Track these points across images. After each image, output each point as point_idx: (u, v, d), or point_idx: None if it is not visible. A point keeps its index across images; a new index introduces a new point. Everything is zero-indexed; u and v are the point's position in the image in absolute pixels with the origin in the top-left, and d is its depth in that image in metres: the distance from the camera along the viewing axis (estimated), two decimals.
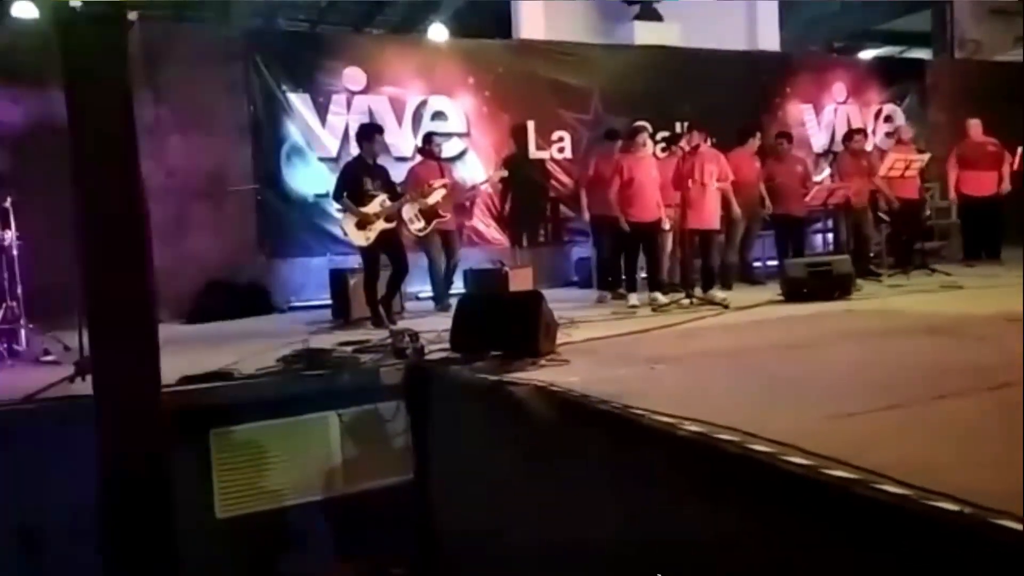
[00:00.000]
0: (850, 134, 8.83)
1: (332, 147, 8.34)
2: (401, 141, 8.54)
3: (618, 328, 5.41)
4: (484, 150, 9.07)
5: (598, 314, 6.31)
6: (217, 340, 5.83)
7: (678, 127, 9.06)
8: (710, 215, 6.96)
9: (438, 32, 9.92)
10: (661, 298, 6.63)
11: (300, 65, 8.32)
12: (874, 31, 15.14)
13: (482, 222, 9.07)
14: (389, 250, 6.41)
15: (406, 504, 4.45)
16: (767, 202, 8.16)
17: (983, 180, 8.86)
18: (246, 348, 5.11)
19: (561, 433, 3.32)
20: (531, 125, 9.24)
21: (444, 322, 4.84)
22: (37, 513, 3.66)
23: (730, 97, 9.64)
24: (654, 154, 7.94)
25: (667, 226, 7.21)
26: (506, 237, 9.18)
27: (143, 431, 3.21)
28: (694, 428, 2.59)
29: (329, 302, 7.17)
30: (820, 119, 10.83)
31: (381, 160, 6.77)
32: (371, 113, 8.41)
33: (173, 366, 3.98)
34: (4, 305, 5.41)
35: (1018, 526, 1.65)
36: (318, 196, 8.08)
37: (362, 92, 8.52)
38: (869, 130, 10.14)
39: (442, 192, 7.05)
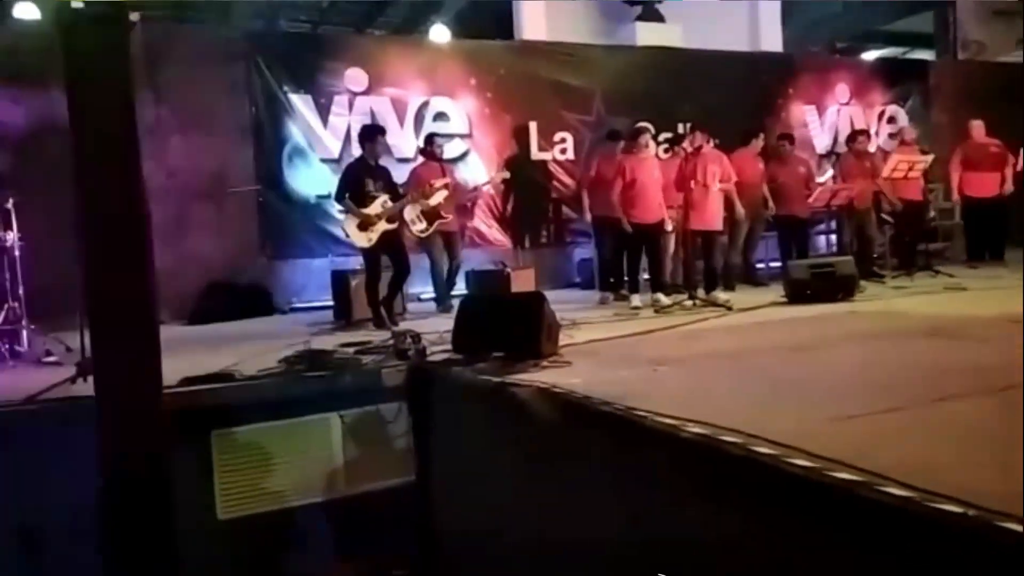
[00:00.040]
0: (853, 135, 8.81)
1: (334, 148, 8.35)
2: (403, 142, 8.55)
3: (620, 330, 5.40)
4: (486, 151, 9.07)
5: (600, 315, 6.30)
6: (218, 341, 5.82)
7: (680, 128, 9.05)
8: (712, 216, 6.95)
9: (440, 33, 9.90)
10: (663, 299, 6.62)
11: (302, 66, 8.32)
12: (877, 32, 15.12)
13: (484, 223, 9.07)
14: (390, 251, 6.41)
15: (407, 505, 4.44)
16: (770, 203, 8.15)
17: (986, 181, 8.84)
18: (247, 349, 5.10)
19: (563, 435, 3.31)
20: (533, 126, 9.24)
21: (446, 323, 4.84)
22: (38, 514, 3.65)
23: (732, 98, 9.64)
24: (656, 155, 7.93)
25: (670, 227, 7.20)
26: (508, 238, 9.18)
27: (144, 432, 3.21)
28: (697, 430, 2.58)
29: (331, 303, 7.16)
30: (823, 120, 10.82)
31: (383, 161, 6.77)
32: (373, 114, 8.41)
33: (174, 367, 3.97)
34: (6, 306, 5.40)
35: (1019, 527, 1.65)
36: (320, 197, 8.08)
37: (364, 93, 8.52)
38: (872, 131, 10.14)
39: (444, 193, 7.05)
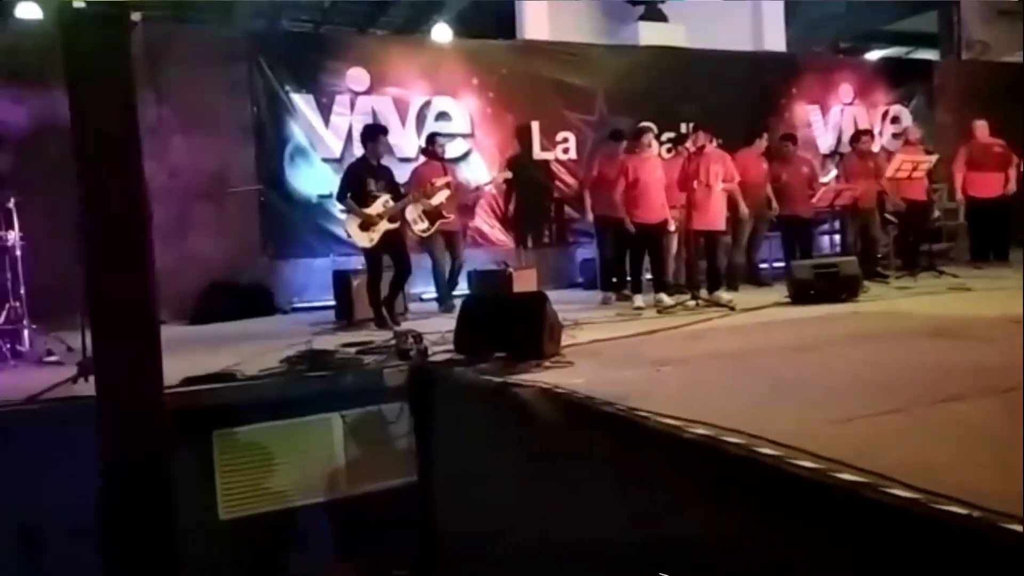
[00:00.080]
0: (857, 135, 8.81)
1: (335, 148, 8.35)
2: (405, 142, 8.54)
3: (623, 330, 5.39)
4: (488, 151, 9.06)
5: (603, 316, 6.29)
6: (220, 341, 5.82)
7: (683, 128, 9.03)
8: (715, 216, 6.94)
9: (442, 32, 9.89)
10: (666, 300, 6.61)
11: (303, 66, 8.32)
12: (880, 32, 15.10)
13: (486, 223, 9.05)
14: (392, 251, 6.40)
15: (409, 506, 4.44)
16: (774, 203, 8.14)
17: (990, 181, 8.82)
18: (249, 349, 5.10)
19: (565, 435, 3.30)
20: (535, 126, 9.23)
21: (448, 323, 4.83)
22: (39, 513, 3.65)
23: (736, 98, 9.62)
24: (659, 155, 7.92)
25: (672, 227, 7.19)
26: (510, 238, 9.17)
27: (145, 432, 3.21)
28: (700, 430, 2.57)
29: (332, 303, 7.15)
30: (827, 120, 10.80)
31: (385, 161, 6.76)
32: (375, 114, 8.41)
33: (176, 367, 3.97)
34: (7, 305, 5.40)
35: (1020, 528, 1.64)
36: (321, 197, 8.08)
37: (366, 93, 8.52)
38: (876, 131, 10.11)
39: (446, 193, 7.05)
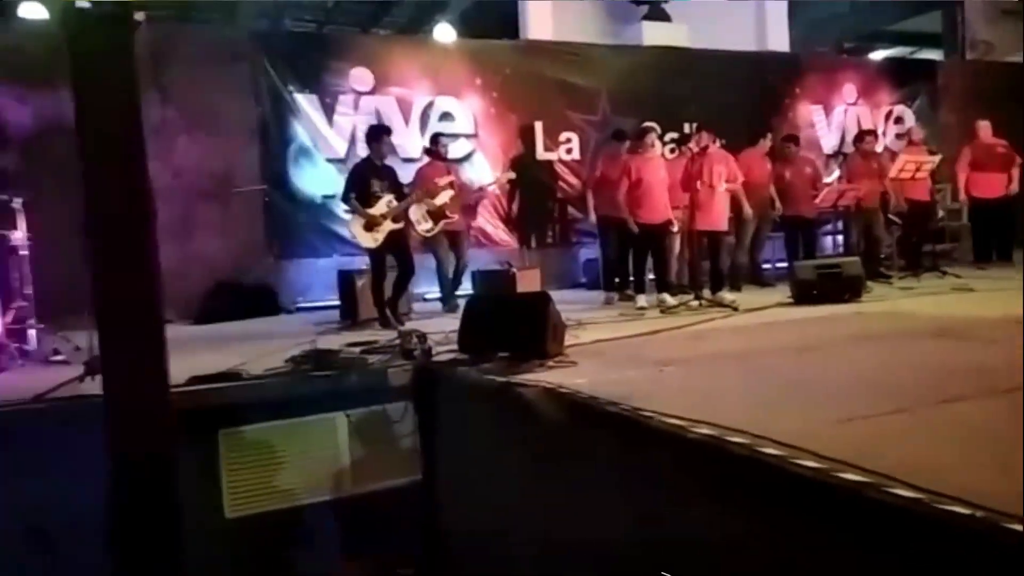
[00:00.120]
0: (860, 135, 8.80)
1: (339, 148, 8.36)
2: (408, 142, 8.55)
3: (626, 330, 5.39)
4: (492, 151, 9.07)
5: (606, 316, 6.30)
6: (225, 341, 5.84)
7: (686, 128, 9.04)
8: (718, 216, 6.94)
9: (445, 33, 9.89)
10: (669, 300, 6.61)
11: (307, 66, 8.34)
12: (884, 32, 15.08)
13: (490, 223, 9.06)
14: (396, 251, 6.41)
15: (413, 505, 4.45)
16: (777, 203, 8.14)
17: (993, 182, 8.82)
18: (254, 349, 5.11)
19: (569, 435, 3.31)
20: (539, 126, 9.24)
21: (452, 323, 4.84)
22: (46, 513, 3.66)
23: (739, 98, 9.63)
24: (662, 155, 7.92)
25: (675, 228, 7.19)
26: (514, 238, 9.18)
27: (152, 431, 3.22)
28: (703, 430, 2.58)
29: (336, 303, 7.17)
30: (830, 120, 10.80)
31: (389, 161, 6.77)
32: (378, 114, 8.43)
33: (181, 366, 3.98)
34: (14, 305, 5.42)
35: (1020, 528, 1.65)
36: (325, 197, 8.07)
37: (369, 93, 8.54)
38: (879, 131, 10.11)
39: (449, 193, 7.06)
